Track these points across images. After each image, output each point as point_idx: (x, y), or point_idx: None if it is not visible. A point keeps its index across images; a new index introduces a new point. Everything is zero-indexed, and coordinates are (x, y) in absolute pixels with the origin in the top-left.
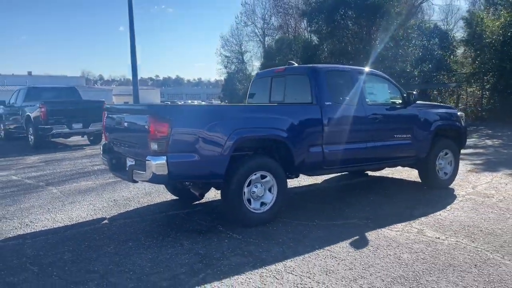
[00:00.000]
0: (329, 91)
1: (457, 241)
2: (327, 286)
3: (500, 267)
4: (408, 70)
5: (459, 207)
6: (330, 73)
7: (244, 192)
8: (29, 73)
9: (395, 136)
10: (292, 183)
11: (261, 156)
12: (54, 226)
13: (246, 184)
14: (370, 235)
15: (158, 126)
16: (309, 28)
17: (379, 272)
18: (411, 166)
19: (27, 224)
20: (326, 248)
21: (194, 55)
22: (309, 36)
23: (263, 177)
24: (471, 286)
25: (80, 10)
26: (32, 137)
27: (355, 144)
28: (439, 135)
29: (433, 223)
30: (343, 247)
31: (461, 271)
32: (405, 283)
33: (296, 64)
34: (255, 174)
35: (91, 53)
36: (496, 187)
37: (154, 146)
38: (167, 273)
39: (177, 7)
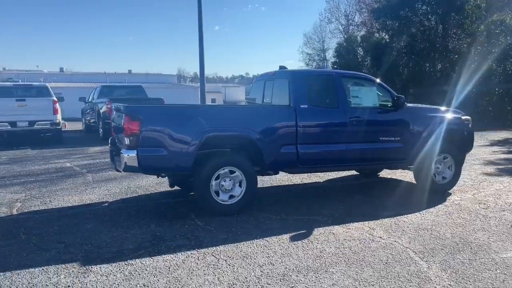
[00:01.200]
0: (306, 95)
1: (394, 241)
2: (234, 267)
3: (410, 266)
4: (489, 68)
5: (434, 212)
6: (311, 77)
7: (212, 185)
8: (129, 71)
9: (381, 138)
10: (294, 180)
11: (230, 153)
12: (64, 206)
13: (214, 178)
14: (318, 230)
15: (130, 124)
16: (377, 25)
17: (289, 261)
18: (405, 168)
19: (45, 203)
20: (265, 238)
21: (285, 53)
22: (380, 34)
23: (232, 172)
24: (365, 279)
25: (178, 11)
26: (101, 130)
27: (334, 146)
28: (436, 138)
29: (391, 224)
30: (280, 239)
31: (366, 266)
32: (303, 272)
33: (288, 68)
34: (223, 169)
35: (187, 51)
36: (500, 196)
37: (127, 141)
38: (116, 248)
39: (269, 6)
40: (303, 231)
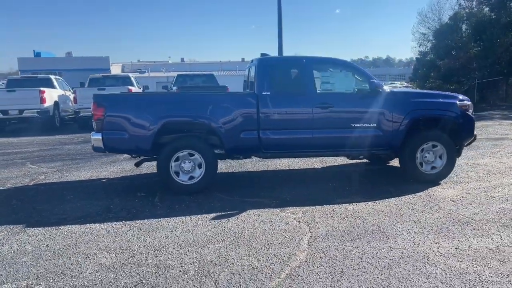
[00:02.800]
0: (269, 82)
1: (302, 226)
2: (136, 236)
3: (288, 248)
4: None
5: (388, 202)
6: (277, 64)
7: (171, 166)
8: (242, 59)
9: (353, 125)
10: (293, 165)
11: (188, 137)
12: (72, 180)
13: (173, 159)
14: (249, 211)
15: (96, 110)
16: None
17: (191, 234)
18: (388, 156)
19: (61, 177)
20: (194, 215)
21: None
22: (483, 9)
23: (191, 155)
24: (232, 250)
25: None
26: None
27: (298, 132)
28: (423, 126)
29: (326, 210)
30: (206, 217)
31: (245, 245)
32: (184, 246)
33: (271, 55)
34: (182, 152)
35: (302, 36)
36: (484, 193)
37: (94, 125)
38: (65, 215)
39: None
40: (236, 211)
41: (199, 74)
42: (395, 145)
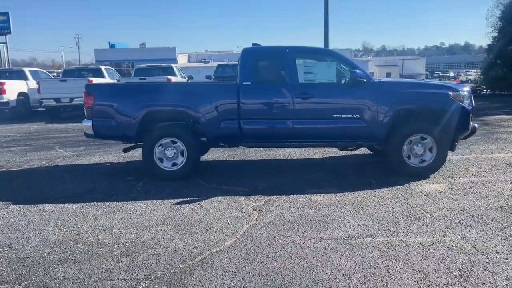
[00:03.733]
0: (251, 72)
1: (254, 211)
2: (103, 215)
3: (212, 234)
4: None
5: (357, 194)
6: (260, 54)
7: (155, 153)
8: None
9: (335, 116)
10: (293, 155)
11: (171, 125)
12: (81, 163)
13: (156, 146)
14: (215, 199)
15: (87, 99)
16: None
17: (144, 217)
18: (374, 148)
19: (74, 160)
20: (163, 200)
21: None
22: None
23: (174, 142)
24: (168, 234)
25: None
26: None
27: (279, 122)
28: (412, 117)
29: (286, 200)
30: (172, 201)
31: (186, 225)
32: (137, 227)
33: (261, 45)
34: (165, 139)
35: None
36: (474, 187)
37: (86, 113)
38: (65, 194)
39: None
40: (201, 198)
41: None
42: (380, 137)
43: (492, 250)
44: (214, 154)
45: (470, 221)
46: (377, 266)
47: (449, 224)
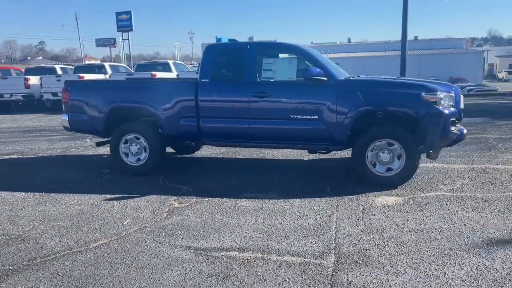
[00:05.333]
0: (210, 69)
1: (164, 213)
2: (41, 205)
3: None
4: None
5: (296, 200)
6: (220, 51)
7: (121, 148)
8: (415, 38)
9: (293, 116)
10: (288, 155)
11: (134, 121)
12: (87, 154)
13: (122, 142)
14: (146, 198)
15: (64, 94)
16: None
17: (68, 209)
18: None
19: (84, 151)
20: (101, 195)
21: None
22: None
23: (137, 138)
24: (63, 226)
25: None
26: None
27: (236, 121)
28: (376, 120)
29: (213, 202)
30: (106, 196)
31: (87, 220)
32: (49, 219)
33: (237, 41)
34: (129, 135)
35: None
36: (429, 203)
37: (63, 108)
38: (42, 182)
39: None
40: (134, 195)
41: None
42: (340, 141)
43: None
44: (211, 151)
45: (374, 248)
46: (202, 284)
47: (343, 248)
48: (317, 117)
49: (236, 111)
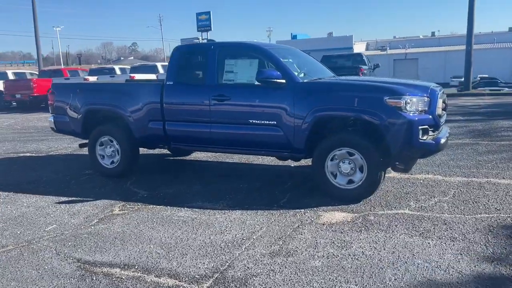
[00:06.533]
0: (175, 71)
1: (93, 218)
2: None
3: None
4: None
5: (236, 212)
6: (187, 52)
7: (97, 150)
8: (510, 29)
9: (251, 121)
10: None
11: (107, 124)
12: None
13: (97, 144)
14: (93, 203)
15: (49, 96)
16: None
17: (16, 211)
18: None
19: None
20: (51, 197)
21: None
22: None
23: (111, 140)
24: None
25: None
26: None
27: (198, 125)
28: (336, 126)
29: (152, 211)
30: (51, 199)
31: (21, 222)
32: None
33: (211, 41)
34: (103, 138)
35: None
36: (383, 225)
37: (50, 109)
38: (17, 181)
39: None
40: (86, 198)
41: (343, 54)
42: (298, 148)
43: None
44: (205, 153)
45: (264, 275)
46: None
47: (231, 272)
48: (275, 122)
49: (197, 114)
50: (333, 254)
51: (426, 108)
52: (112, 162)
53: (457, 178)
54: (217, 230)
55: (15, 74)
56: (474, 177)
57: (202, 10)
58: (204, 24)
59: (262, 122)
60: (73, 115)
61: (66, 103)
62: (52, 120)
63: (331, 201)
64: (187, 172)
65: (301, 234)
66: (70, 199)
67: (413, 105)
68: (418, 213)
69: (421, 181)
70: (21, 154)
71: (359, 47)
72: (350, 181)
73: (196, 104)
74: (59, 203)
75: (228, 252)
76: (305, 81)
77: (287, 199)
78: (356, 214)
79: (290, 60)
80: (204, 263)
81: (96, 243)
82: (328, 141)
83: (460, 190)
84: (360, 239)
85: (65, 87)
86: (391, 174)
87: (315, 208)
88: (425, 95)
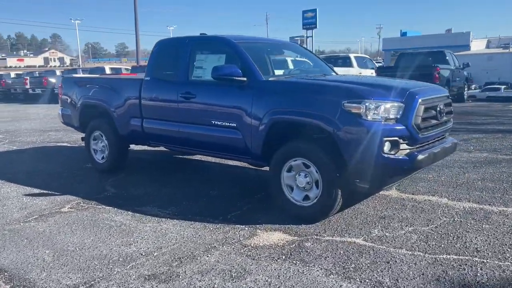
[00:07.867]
0: (152, 66)
1: (39, 222)
2: None
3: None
4: None
5: (174, 222)
6: (166, 46)
7: (91, 144)
8: None
9: (214, 122)
10: None
11: (98, 119)
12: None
13: (92, 138)
14: (57, 198)
15: (59, 89)
16: None
17: None
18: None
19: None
20: (42, 190)
21: None
22: None
23: (102, 135)
24: None
25: None
26: None
27: (168, 123)
28: (294, 132)
29: (78, 214)
30: (34, 193)
31: None
32: None
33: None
34: (96, 132)
35: None
36: (301, 253)
37: (59, 102)
38: (12, 171)
39: None
40: (53, 193)
41: (423, 52)
42: (255, 154)
43: None
44: None
45: None
46: None
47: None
48: (235, 124)
49: (168, 112)
50: (214, 285)
51: (398, 116)
52: (103, 158)
53: (465, 203)
54: (129, 241)
55: (111, 69)
56: (489, 204)
57: (308, 8)
58: (309, 22)
59: (223, 123)
60: (73, 109)
61: (70, 97)
62: (60, 113)
63: (286, 219)
64: (177, 173)
65: (207, 256)
66: (39, 191)
67: (378, 111)
68: (371, 244)
69: (416, 203)
70: (59, 144)
71: (477, 45)
72: (307, 197)
73: (167, 101)
74: (25, 195)
75: (109, 268)
76: (270, 79)
77: (242, 212)
78: (296, 238)
79: (284, 57)
80: (72, 278)
81: (4, 241)
82: (283, 149)
83: (454, 220)
84: (267, 270)
85: (69, 81)
86: (390, 191)
87: (258, 226)
88: (398, 99)
